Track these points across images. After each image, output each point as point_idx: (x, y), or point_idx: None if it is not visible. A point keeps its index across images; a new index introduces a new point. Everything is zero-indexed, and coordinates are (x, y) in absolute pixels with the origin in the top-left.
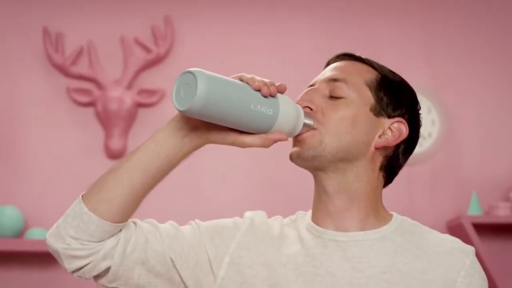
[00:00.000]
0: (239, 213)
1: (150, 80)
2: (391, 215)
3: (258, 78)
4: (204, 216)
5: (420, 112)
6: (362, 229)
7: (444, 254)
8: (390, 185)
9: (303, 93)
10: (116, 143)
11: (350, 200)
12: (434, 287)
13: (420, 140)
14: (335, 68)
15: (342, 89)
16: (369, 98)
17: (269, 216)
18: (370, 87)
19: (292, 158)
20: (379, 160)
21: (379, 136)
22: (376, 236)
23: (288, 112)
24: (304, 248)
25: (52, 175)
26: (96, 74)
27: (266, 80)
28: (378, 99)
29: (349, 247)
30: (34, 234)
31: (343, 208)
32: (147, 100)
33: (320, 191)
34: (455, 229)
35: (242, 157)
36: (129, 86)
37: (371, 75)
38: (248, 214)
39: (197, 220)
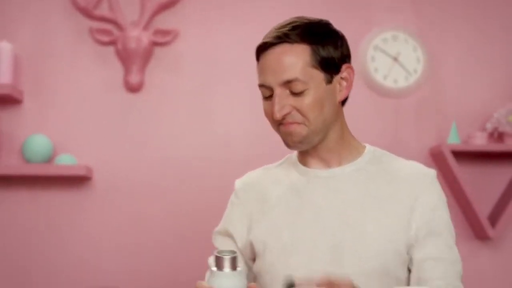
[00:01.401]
0: (244, 139)
1: (164, 21)
2: (364, 147)
3: None
4: (214, 141)
5: (338, 32)
6: (340, 164)
7: (410, 177)
8: (379, 117)
9: (268, 102)
10: (134, 78)
11: (330, 151)
12: (401, 206)
13: (406, 76)
14: (281, 67)
15: (299, 86)
16: (318, 75)
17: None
18: (314, 66)
19: (287, 146)
20: (341, 104)
21: (339, 91)
22: (353, 168)
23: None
24: (292, 185)
25: (78, 106)
26: (116, 16)
27: None
28: (323, 67)
29: (329, 180)
30: (62, 159)
31: (325, 156)
32: (162, 40)
33: (307, 151)
34: (436, 156)
35: (247, 96)
36: (146, 27)
37: (305, 54)
38: (237, 185)
39: (216, 238)
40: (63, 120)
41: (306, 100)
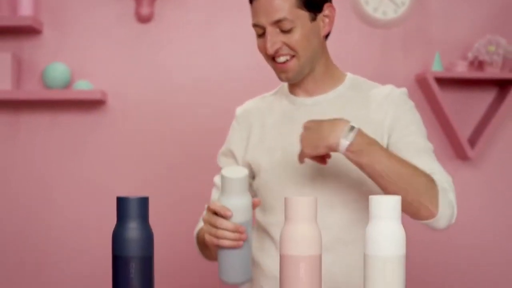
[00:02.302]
0: (245, 68)
1: None
2: (345, 75)
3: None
4: (217, 70)
5: None
6: (325, 91)
7: (381, 98)
8: (370, 47)
9: (261, 39)
10: (145, 10)
11: (316, 82)
12: (374, 125)
13: (394, 8)
14: (271, 8)
15: (287, 24)
16: (303, 14)
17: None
18: (299, 6)
19: (280, 80)
20: (324, 39)
21: (323, 27)
22: (334, 95)
23: (241, 208)
24: (283, 113)
25: (94, 36)
26: None
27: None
28: (307, 7)
29: (314, 107)
30: (80, 85)
31: (312, 86)
32: None
33: (296, 82)
34: (421, 82)
35: (248, 29)
36: None
37: None
38: (238, 112)
39: (220, 159)
40: (80, 49)
41: (295, 36)
